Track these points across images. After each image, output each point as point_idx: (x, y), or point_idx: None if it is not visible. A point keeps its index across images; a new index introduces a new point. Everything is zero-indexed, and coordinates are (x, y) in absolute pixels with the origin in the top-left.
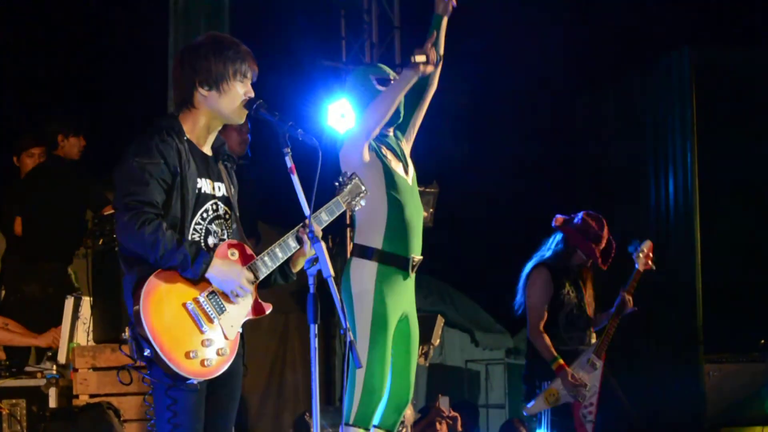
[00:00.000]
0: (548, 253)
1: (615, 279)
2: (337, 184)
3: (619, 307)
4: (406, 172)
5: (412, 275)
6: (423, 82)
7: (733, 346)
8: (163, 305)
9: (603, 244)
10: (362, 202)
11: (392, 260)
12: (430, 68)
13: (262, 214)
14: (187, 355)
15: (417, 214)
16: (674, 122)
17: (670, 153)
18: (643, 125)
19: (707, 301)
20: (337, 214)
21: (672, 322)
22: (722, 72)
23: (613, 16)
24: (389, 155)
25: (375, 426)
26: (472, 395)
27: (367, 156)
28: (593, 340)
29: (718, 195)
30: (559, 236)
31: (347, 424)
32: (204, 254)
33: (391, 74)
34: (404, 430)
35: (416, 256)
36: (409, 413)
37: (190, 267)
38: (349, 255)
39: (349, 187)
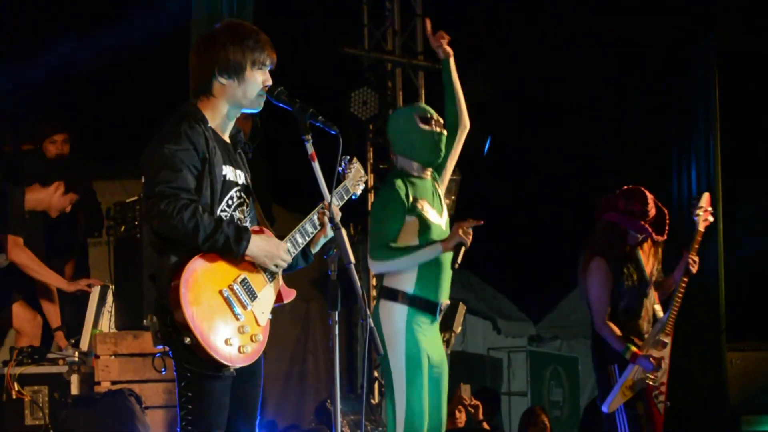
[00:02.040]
0: (601, 242)
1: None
2: (340, 169)
3: (686, 270)
4: (440, 215)
5: (439, 319)
6: (455, 124)
7: (756, 335)
8: (201, 293)
9: (652, 216)
10: (362, 186)
11: (422, 305)
12: (444, 49)
13: (277, 198)
14: (226, 342)
15: (447, 261)
16: (698, 109)
17: (694, 140)
18: (668, 112)
19: (730, 289)
20: (347, 199)
21: (695, 310)
22: (747, 59)
23: (640, 2)
24: (424, 203)
25: None
26: (495, 383)
27: (403, 195)
28: (650, 329)
29: (741, 182)
30: (606, 225)
31: None
32: (245, 232)
33: (434, 114)
34: None
35: (445, 300)
36: None
37: (233, 247)
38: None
39: (352, 172)
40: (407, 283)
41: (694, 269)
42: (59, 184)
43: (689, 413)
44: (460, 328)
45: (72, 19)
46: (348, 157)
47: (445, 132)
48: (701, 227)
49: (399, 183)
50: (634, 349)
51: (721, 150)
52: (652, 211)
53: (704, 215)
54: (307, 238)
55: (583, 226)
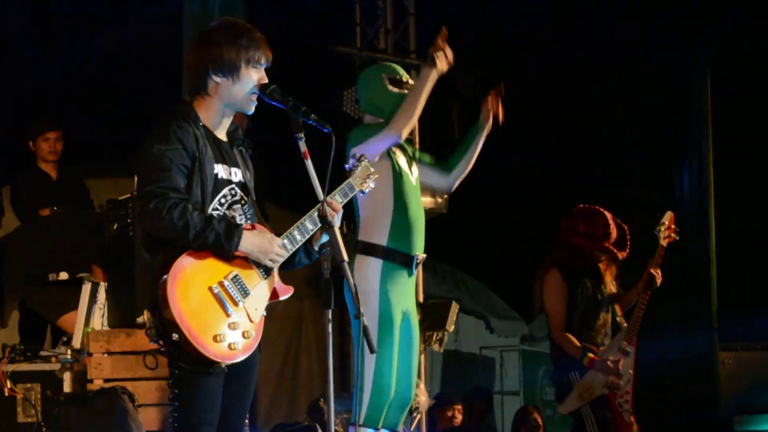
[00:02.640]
0: (560, 257)
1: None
2: (347, 166)
3: (647, 283)
4: (411, 171)
5: (415, 273)
6: (449, 168)
7: (748, 335)
8: (190, 289)
9: (614, 235)
10: (372, 184)
11: (397, 257)
12: (446, 65)
13: (272, 196)
14: (215, 338)
15: (420, 213)
16: (690, 109)
17: (686, 140)
18: (661, 112)
19: (722, 289)
20: (351, 196)
21: (687, 309)
22: (739, 60)
23: (633, 3)
24: (398, 152)
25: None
26: (487, 382)
27: (378, 159)
28: (606, 341)
29: (733, 182)
30: (570, 249)
31: (357, 425)
32: (236, 227)
33: (404, 75)
34: (419, 416)
35: (420, 253)
36: (423, 399)
37: (224, 244)
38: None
39: (359, 169)
40: (381, 236)
41: (658, 282)
42: None
43: (681, 413)
44: (452, 327)
45: (65, 17)
46: (358, 155)
47: None
48: (663, 243)
49: None
50: (591, 355)
51: (714, 150)
52: (614, 233)
53: (667, 232)
54: (306, 235)
55: None
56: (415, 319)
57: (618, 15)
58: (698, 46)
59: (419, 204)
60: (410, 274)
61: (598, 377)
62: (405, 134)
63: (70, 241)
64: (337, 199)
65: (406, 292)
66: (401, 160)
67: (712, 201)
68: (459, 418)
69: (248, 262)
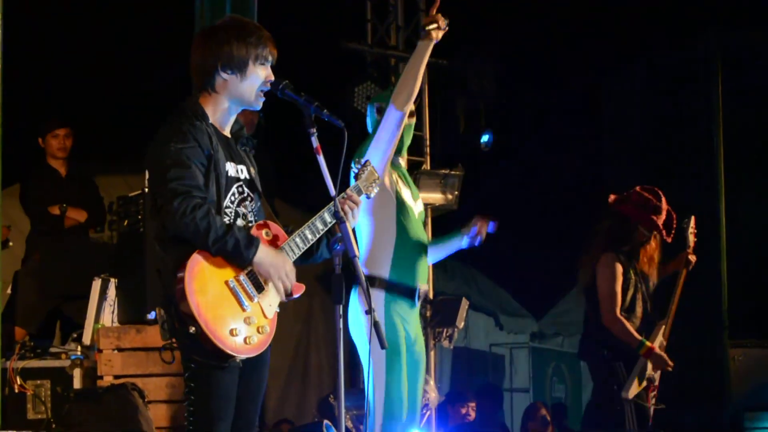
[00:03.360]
0: (611, 236)
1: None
2: (353, 170)
3: (685, 261)
4: (416, 204)
5: (418, 305)
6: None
7: (759, 331)
8: (207, 283)
9: (664, 216)
10: (376, 189)
11: (399, 290)
12: (441, 33)
13: (281, 193)
14: (231, 332)
15: (423, 245)
16: (699, 105)
17: (696, 137)
18: (670, 111)
19: (732, 285)
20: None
21: (697, 306)
22: (749, 55)
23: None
24: (401, 182)
25: None
26: (497, 379)
27: (386, 177)
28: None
29: (743, 180)
30: (616, 217)
31: None
32: (254, 239)
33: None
34: (428, 412)
35: (422, 285)
36: (433, 396)
37: (242, 252)
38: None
39: (365, 174)
40: (383, 269)
41: (693, 261)
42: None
43: (692, 410)
44: (462, 324)
45: (74, 13)
46: (362, 160)
47: (412, 121)
48: (691, 243)
49: None
50: (649, 344)
51: (724, 147)
52: (664, 213)
53: (692, 237)
54: (317, 234)
55: (586, 223)
56: (421, 345)
57: (627, 8)
58: (709, 40)
59: (422, 235)
60: (412, 306)
61: (649, 367)
62: (407, 109)
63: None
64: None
65: (411, 322)
66: (405, 193)
67: (722, 198)
68: (473, 415)
69: None
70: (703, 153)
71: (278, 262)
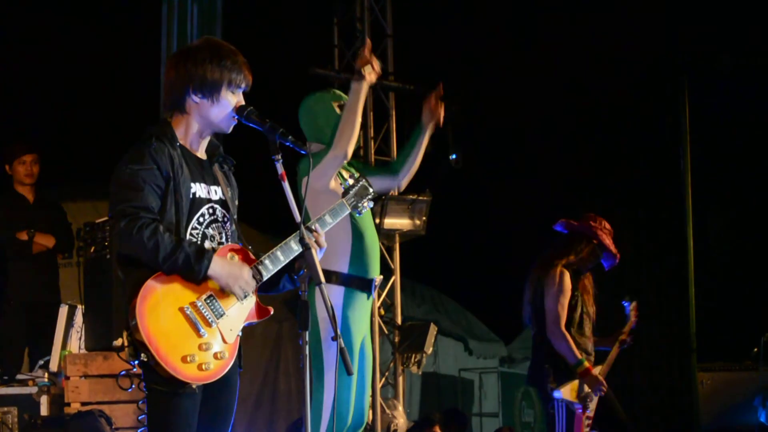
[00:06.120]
0: (567, 251)
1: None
2: (342, 187)
3: (620, 342)
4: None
5: (373, 295)
6: (395, 170)
7: (727, 355)
8: (160, 309)
9: (611, 243)
10: (369, 205)
11: (357, 283)
12: (375, 77)
13: (249, 219)
14: (183, 359)
15: (375, 238)
16: (666, 131)
17: (664, 160)
18: (640, 135)
19: (700, 309)
20: (341, 216)
21: (665, 330)
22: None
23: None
24: (350, 180)
25: None
26: (466, 404)
27: (333, 182)
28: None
29: (710, 202)
30: (573, 235)
31: None
32: (206, 251)
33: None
34: None
35: (378, 276)
36: (402, 421)
37: (194, 266)
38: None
39: (355, 189)
40: (341, 264)
41: (627, 342)
42: None
43: None
44: (431, 349)
45: (40, 38)
46: (357, 175)
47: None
48: (630, 323)
49: None
50: (587, 364)
51: (691, 169)
52: (610, 238)
53: (633, 318)
54: (290, 254)
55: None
56: (369, 342)
57: (597, 35)
58: (676, 62)
59: (373, 230)
60: (368, 297)
61: (582, 390)
62: (350, 152)
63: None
64: (327, 220)
65: (364, 317)
66: None
67: (690, 221)
68: None
69: None
70: (671, 179)
71: (235, 271)
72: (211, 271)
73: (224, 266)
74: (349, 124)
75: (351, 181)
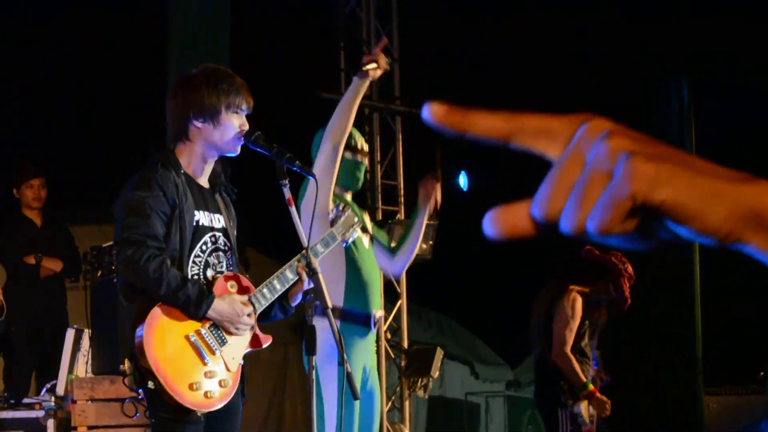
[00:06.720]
0: (579, 280)
1: None
2: (330, 216)
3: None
4: (363, 236)
5: (374, 331)
6: (394, 251)
7: (733, 378)
8: (166, 337)
9: (628, 289)
10: (356, 233)
11: (354, 318)
12: (379, 72)
13: (253, 242)
14: (191, 386)
15: (375, 273)
16: (674, 142)
17: None
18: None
19: (707, 333)
20: (332, 245)
21: (672, 353)
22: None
23: (616, 38)
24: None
25: None
26: (472, 428)
27: (331, 205)
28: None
29: None
30: (593, 267)
31: None
32: (206, 297)
33: (359, 141)
34: None
35: (377, 311)
36: None
37: (192, 309)
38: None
39: (342, 219)
40: (336, 298)
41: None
42: None
43: None
44: (437, 373)
45: (47, 62)
46: (342, 204)
47: (366, 162)
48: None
49: None
50: (592, 387)
51: None
52: (629, 285)
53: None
54: (286, 284)
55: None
56: (375, 374)
57: (604, 48)
58: (683, 78)
59: (373, 265)
60: (367, 333)
61: (584, 412)
62: (343, 142)
63: None
64: (319, 249)
65: (366, 351)
66: None
67: (696, 245)
68: None
69: None
70: None
71: (232, 315)
72: (209, 315)
73: (222, 309)
74: (343, 115)
75: (336, 212)
